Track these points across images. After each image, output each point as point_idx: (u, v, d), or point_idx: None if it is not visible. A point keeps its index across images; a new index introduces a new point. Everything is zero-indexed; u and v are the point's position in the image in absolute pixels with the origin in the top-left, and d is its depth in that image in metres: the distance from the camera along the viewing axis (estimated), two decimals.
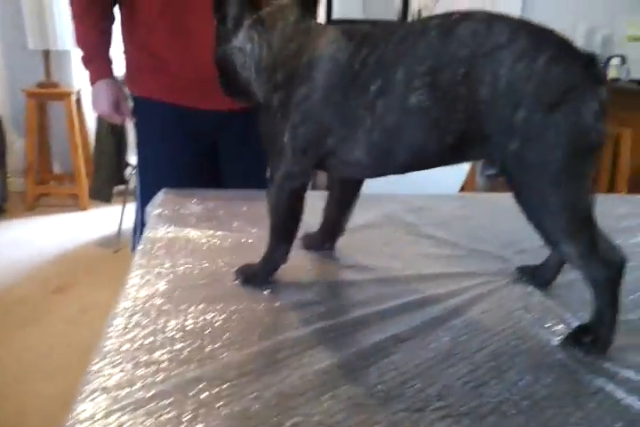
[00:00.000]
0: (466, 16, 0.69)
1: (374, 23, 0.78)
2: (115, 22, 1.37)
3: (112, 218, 2.99)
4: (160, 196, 1.21)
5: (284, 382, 0.62)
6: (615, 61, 3.71)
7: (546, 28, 0.67)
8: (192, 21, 1.26)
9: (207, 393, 0.59)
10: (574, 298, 0.85)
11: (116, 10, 1.36)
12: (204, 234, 1.03)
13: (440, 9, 3.56)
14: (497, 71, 0.65)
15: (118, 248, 2.77)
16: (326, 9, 3.76)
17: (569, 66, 0.65)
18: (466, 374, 0.65)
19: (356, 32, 0.76)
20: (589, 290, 0.72)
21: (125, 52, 1.38)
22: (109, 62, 1.36)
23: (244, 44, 0.83)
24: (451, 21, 0.69)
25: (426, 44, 0.69)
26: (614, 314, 0.71)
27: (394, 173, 0.81)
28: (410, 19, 3.73)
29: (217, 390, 0.60)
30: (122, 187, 3.01)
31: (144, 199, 1.34)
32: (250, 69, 0.84)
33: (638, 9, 3.86)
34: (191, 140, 1.39)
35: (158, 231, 1.03)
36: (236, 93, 0.92)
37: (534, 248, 0.95)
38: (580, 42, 3.86)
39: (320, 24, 0.82)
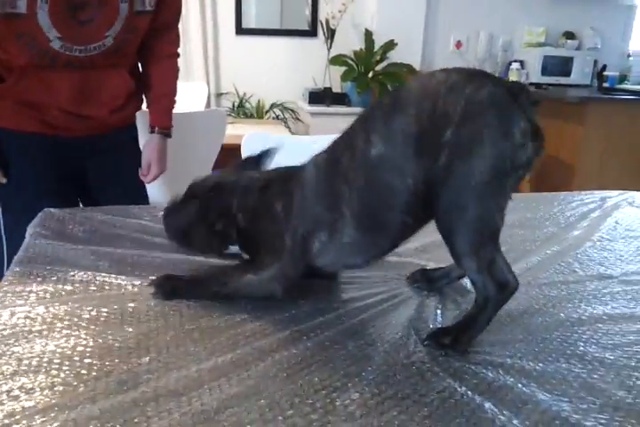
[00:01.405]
0: (417, 77, 0.82)
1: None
2: None
3: None
4: (41, 215, 1.18)
5: None
6: (515, 66, 3.90)
7: (478, 69, 0.77)
8: (55, 76, 1.30)
9: None
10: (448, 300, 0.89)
11: None
12: (84, 252, 1.01)
13: (346, 20, 3.63)
14: (435, 102, 0.72)
15: None
16: (235, 19, 3.77)
17: (495, 91, 0.72)
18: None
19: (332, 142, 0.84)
20: (475, 302, 0.76)
21: None
22: None
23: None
24: (405, 84, 0.79)
25: (380, 104, 0.79)
26: (483, 326, 0.76)
27: (389, 247, 0.84)
28: (318, 26, 3.79)
29: None
30: None
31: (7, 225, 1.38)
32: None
33: (535, 19, 4.08)
34: (56, 167, 1.41)
35: (37, 249, 1.00)
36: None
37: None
38: (482, 47, 4.04)
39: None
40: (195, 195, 0.93)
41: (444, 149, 0.71)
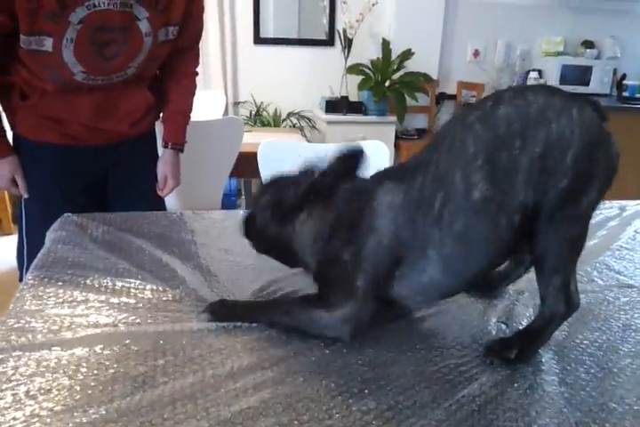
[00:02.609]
0: (497, 99, 0.73)
1: (412, 158, 0.79)
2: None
3: None
4: (61, 220, 1.19)
5: None
6: (534, 75, 3.88)
7: (555, 87, 0.74)
8: (77, 96, 1.33)
9: None
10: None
11: None
12: (104, 257, 1.02)
13: (363, 29, 3.65)
14: (547, 127, 0.70)
15: None
16: (253, 28, 3.81)
17: (589, 111, 0.71)
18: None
19: (403, 171, 0.78)
20: (541, 315, 0.75)
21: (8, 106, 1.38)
22: (7, 142, 1.37)
23: (301, 224, 0.83)
24: (487, 109, 0.72)
25: (474, 138, 0.72)
26: (546, 340, 0.76)
27: (468, 286, 0.82)
28: (336, 36, 3.82)
29: None
30: None
31: (29, 234, 1.42)
32: (302, 244, 0.83)
33: (553, 28, 4.07)
34: (75, 174, 1.43)
35: (57, 253, 1.01)
36: (287, 262, 0.91)
37: None
38: (500, 56, 4.03)
39: (368, 180, 0.82)
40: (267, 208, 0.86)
41: (567, 173, 0.70)
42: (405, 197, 0.75)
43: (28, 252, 1.43)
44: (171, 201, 1.71)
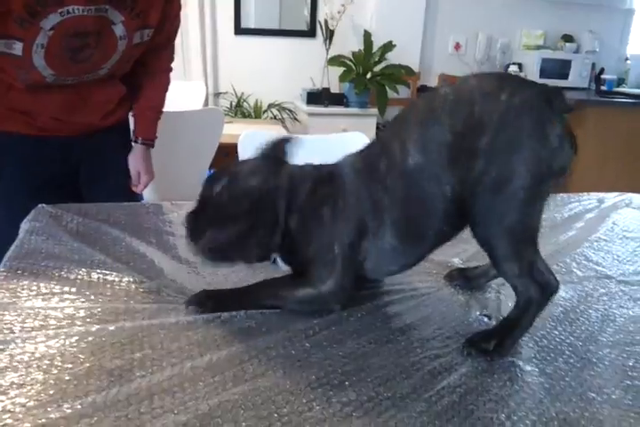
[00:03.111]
0: (445, 84, 0.80)
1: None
2: None
3: None
4: (35, 211, 1.17)
5: None
6: (513, 68, 3.90)
7: (510, 74, 0.76)
8: (46, 91, 1.28)
9: None
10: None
11: None
12: (79, 248, 1.00)
13: (345, 21, 3.63)
14: (471, 110, 0.72)
15: None
16: (234, 19, 3.76)
17: (530, 96, 0.72)
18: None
19: (363, 147, 0.85)
20: (517, 305, 0.75)
21: None
22: None
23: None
24: (436, 89, 0.79)
25: (414, 111, 0.79)
26: (526, 329, 0.76)
27: (425, 253, 0.84)
28: (317, 27, 3.79)
29: None
30: None
31: None
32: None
33: (534, 22, 4.09)
34: (46, 165, 1.39)
35: (31, 245, 0.99)
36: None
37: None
38: (481, 49, 4.05)
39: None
40: (234, 196, 0.80)
41: (481, 156, 0.71)
42: (363, 163, 0.81)
43: None
44: (149, 192, 1.69)
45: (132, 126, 1.53)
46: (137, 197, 1.56)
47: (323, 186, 0.82)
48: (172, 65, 1.53)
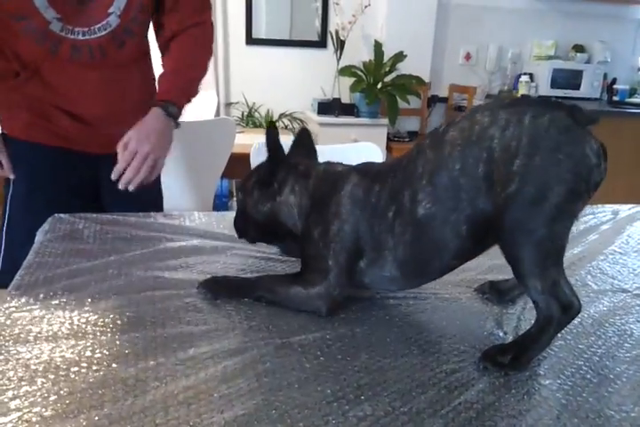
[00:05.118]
0: (450, 122, 0.78)
1: (384, 162, 0.91)
2: None
3: None
4: (51, 220, 1.17)
5: None
6: (525, 78, 3.90)
7: (516, 98, 0.76)
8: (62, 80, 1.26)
9: None
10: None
11: None
12: (94, 257, 1.00)
13: (356, 31, 3.65)
14: (489, 145, 0.72)
15: None
16: (245, 29, 3.79)
17: (556, 116, 0.71)
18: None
19: (368, 169, 0.86)
20: (537, 322, 0.74)
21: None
22: None
23: (287, 197, 0.91)
24: (440, 133, 0.78)
25: (423, 160, 0.78)
26: (544, 347, 0.75)
27: (429, 279, 0.87)
28: (328, 37, 3.82)
29: None
30: None
31: (10, 236, 1.34)
32: (293, 217, 0.91)
33: (545, 32, 4.09)
34: (69, 177, 1.38)
35: (47, 253, 0.99)
36: (277, 240, 1.03)
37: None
38: (491, 59, 4.05)
39: (340, 165, 0.92)
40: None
41: (515, 179, 0.70)
42: (365, 197, 0.82)
43: (5, 253, 1.37)
44: (167, 205, 1.69)
45: None
46: (156, 207, 1.52)
47: (317, 208, 0.87)
48: None
